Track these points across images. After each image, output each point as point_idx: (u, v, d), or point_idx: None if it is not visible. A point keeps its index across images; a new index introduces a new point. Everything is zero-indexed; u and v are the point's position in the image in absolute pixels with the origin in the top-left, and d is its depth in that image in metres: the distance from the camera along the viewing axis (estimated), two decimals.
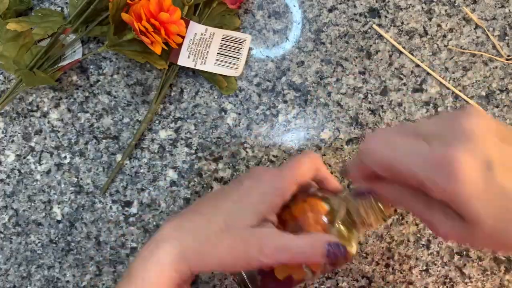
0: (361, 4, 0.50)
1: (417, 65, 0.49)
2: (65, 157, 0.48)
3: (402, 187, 0.28)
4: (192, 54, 0.47)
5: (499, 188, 0.25)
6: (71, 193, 0.48)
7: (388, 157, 0.27)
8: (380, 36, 0.49)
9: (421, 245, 0.49)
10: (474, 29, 0.50)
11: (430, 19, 0.50)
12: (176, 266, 0.33)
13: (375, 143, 0.28)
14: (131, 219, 0.48)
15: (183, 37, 0.46)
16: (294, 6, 0.50)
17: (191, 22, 0.47)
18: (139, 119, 0.49)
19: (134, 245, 0.48)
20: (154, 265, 0.33)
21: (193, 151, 0.49)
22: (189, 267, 0.34)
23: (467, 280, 0.49)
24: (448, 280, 0.49)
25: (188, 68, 0.48)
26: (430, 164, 0.25)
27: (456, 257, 0.49)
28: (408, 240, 0.49)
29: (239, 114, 0.49)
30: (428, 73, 0.49)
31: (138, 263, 0.34)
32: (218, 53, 0.48)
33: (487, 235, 0.25)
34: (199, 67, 0.47)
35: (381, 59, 0.49)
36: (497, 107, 0.49)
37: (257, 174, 0.37)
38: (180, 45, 0.47)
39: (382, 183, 0.30)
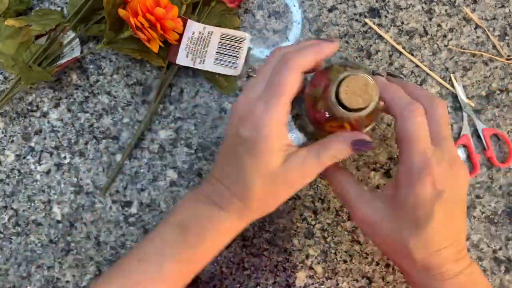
0: (361, 4, 0.50)
1: (417, 65, 0.49)
2: (65, 157, 0.48)
3: None
4: (191, 53, 0.47)
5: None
6: (71, 193, 0.48)
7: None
8: (380, 36, 0.49)
9: None
10: (474, 29, 0.50)
11: (430, 19, 0.50)
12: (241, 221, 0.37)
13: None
14: (131, 219, 0.48)
15: (180, 34, 0.46)
16: (294, 6, 0.50)
17: (189, 20, 0.47)
18: (139, 119, 0.49)
19: (134, 245, 0.48)
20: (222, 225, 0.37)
21: (193, 151, 0.48)
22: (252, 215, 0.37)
23: None
24: None
25: (188, 68, 0.48)
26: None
27: None
28: None
29: None
30: (428, 73, 0.49)
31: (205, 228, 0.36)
32: (217, 52, 0.47)
33: None
34: (198, 66, 0.47)
35: (381, 59, 0.49)
36: (497, 107, 0.49)
37: (247, 122, 0.35)
38: (178, 44, 0.47)
39: None
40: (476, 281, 0.36)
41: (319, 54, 0.35)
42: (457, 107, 0.49)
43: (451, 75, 0.49)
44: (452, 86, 0.49)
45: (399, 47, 0.49)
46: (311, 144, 0.36)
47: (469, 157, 0.49)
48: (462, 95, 0.49)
